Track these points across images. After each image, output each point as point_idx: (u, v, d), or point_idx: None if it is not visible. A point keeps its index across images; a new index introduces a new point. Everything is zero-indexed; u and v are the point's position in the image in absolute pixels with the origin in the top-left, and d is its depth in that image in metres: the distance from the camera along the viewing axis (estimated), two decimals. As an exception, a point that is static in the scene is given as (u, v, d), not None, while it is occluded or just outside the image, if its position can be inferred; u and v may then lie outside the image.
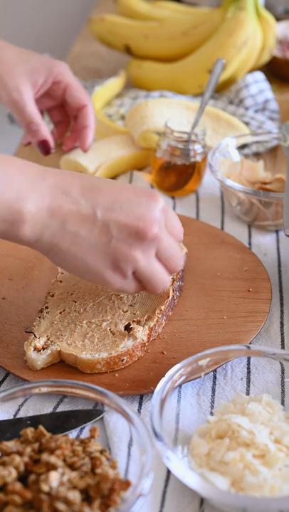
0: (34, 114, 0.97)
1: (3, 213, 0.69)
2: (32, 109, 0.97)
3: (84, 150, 1.02)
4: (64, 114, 1.07)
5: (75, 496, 0.62)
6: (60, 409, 0.76)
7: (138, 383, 0.78)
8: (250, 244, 1.03)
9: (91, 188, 0.73)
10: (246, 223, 1.07)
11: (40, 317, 0.84)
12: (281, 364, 0.79)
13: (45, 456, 0.65)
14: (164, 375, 0.73)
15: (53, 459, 0.64)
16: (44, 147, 0.97)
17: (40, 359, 0.79)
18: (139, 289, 0.78)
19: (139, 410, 0.77)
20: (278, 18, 1.54)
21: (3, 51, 0.98)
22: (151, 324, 0.83)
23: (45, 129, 0.98)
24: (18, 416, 0.75)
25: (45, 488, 0.62)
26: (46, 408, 0.76)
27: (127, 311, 0.85)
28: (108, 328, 0.83)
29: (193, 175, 1.11)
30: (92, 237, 0.73)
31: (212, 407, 0.77)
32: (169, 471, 0.70)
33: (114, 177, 1.17)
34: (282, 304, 0.92)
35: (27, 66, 0.98)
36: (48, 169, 0.73)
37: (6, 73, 0.96)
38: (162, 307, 0.85)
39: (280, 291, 0.94)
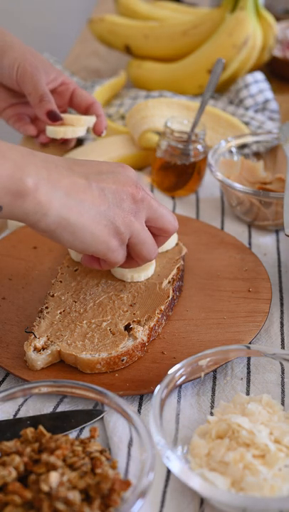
0: (47, 89, 0.99)
1: (4, 184, 0.69)
2: (45, 86, 1.00)
3: (99, 134, 1.03)
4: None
5: (75, 496, 0.62)
6: (60, 409, 0.76)
7: (138, 383, 0.78)
8: (250, 244, 1.03)
9: (74, 162, 0.77)
10: (246, 223, 1.07)
11: (40, 317, 0.84)
12: (281, 364, 0.79)
13: (45, 456, 0.65)
14: (164, 375, 0.73)
15: (52, 459, 0.64)
16: (54, 116, 0.99)
17: (40, 359, 0.79)
18: (128, 261, 0.83)
19: (139, 410, 0.77)
20: (278, 18, 1.55)
21: (25, 44, 1.04)
22: (151, 324, 0.83)
23: (55, 104, 1.01)
24: (18, 416, 0.75)
25: (45, 488, 0.62)
26: (46, 408, 0.76)
27: (127, 311, 0.85)
28: (108, 328, 0.83)
29: (193, 175, 1.11)
30: (95, 205, 0.75)
31: (212, 407, 0.77)
32: (169, 471, 0.70)
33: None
34: (282, 304, 0.92)
35: (44, 59, 1.03)
36: (30, 149, 0.75)
37: (28, 52, 1.00)
38: (162, 307, 0.85)
39: (280, 291, 0.94)
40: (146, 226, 0.81)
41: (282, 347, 0.86)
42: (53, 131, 0.99)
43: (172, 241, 0.95)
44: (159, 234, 0.84)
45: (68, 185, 0.74)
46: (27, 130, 1.04)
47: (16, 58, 0.99)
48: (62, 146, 1.05)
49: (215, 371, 0.81)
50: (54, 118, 0.99)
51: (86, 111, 1.03)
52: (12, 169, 0.70)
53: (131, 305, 0.86)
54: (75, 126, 1.00)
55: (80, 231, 0.75)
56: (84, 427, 0.74)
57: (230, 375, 0.81)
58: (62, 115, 1.00)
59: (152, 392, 0.76)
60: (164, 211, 0.82)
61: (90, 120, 1.01)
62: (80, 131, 1.00)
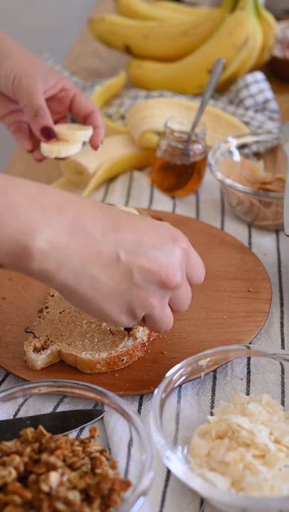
0: (43, 103, 0.97)
1: (6, 247, 0.62)
2: (41, 99, 0.98)
3: (95, 147, 1.02)
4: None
5: (75, 496, 0.62)
6: (60, 409, 0.76)
7: (138, 383, 0.78)
8: (250, 244, 1.03)
9: (113, 225, 0.67)
10: (246, 223, 1.07)
11: (40, 317, 0.84)
12: (281, 364, 0.79)
13: (45, 456, 0.65)
14: (164, 375, 0.73)
15: (52, 459, 0.64)
16: (48, 133, 0.97)
17: (40, 359, 0.79)
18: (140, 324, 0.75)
19: (139, 410, 0.77)
20: (278, 18, 1.55)
21: (23, 48, 1.02)
22: (151, 324, 0.83)
23: (50, 118, 0.99)
24: (18, 416, 0.75)
25: (45, 488, 0.62)
26: (46, 408, 0.76)
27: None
28: (108, 328, 0.83)
29: (193, 175, 1.11)
30: (112, 283, 0.67)
31: (212, 407, 0.77)
32: (169, 471, 0.70)
33: (114, 177, 1.17)
34: (282, 304, 0.92)
35: (43, 64, 1.01)
36: (67, 197, 0.66)
37: (26, 60, 0.98)
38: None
39: (280, 291, 0.94)
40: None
41: (283, 347, 0.86)
42: (47, 150, 0.98)
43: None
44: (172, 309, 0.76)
45: (88, 255, 0.66)
46: (23, 144, 1.02)
47: (12, 69, 0.96)
48: (58, 159, 1.03)
49: (215, 371, 0.81)
50: (48, 135, 0.96)
51: (85, 119, 1.01)
52: (19, 234, 0.62)
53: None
54: (70, 142, 0.98)
55: (86, 302, 0.68)
56: (84, 427, 0.74)
57: (230, 375, 0.81)
58: (57, 128, 0.99)
59: (152, 392, 0.76)
60: (185, 299, 0.74)
61: (85, 135, 1.00)
62: (74, 149, 0.98)
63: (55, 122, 1.05)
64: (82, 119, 1.02)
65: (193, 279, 0.74)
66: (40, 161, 1.03)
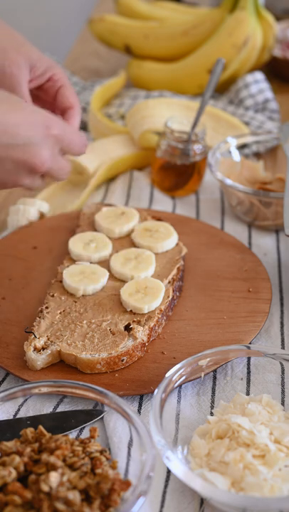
0: (26, 94, 0.95)
1: None
2: (26, 88, 0.96)
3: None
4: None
5: (75, 495, 0.62)
6: (60, 409, 0.76)
7: (138, 383, 0.78)
8: (250, 244, 1.03)
9: None
10: (246, 223, 1.07)
11: (40, 317, 0.84)
12: (281, 364, 0.79)
13: (45, 456, 0.65)
14: (164, 375, 0.73)
15: (52, 459, 0.64)
16: None
17: (40, 359, 0.79)
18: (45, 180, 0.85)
19: (139, 410, 0.77)
20: (278, 18, 1.54)
21: (17, 32, 0.99)
22: (151, 324, 0.83)
23: None
24: (18, 416, 0.75)
25: (45, 488, 0.62)
26: (46, 408, 0.76)
27: (127, 311, 0.85)
28: (108, 328, 0.83)
29: (193, 175, 1.11)
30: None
31: (212, 407, 0.77)
32: (169, 471, 0.70)
33: (114, 177, 1.17)
34: (282, 304, 0.92)
35: (33, 50, 0.98)
36: None
37: (12, 48, 0.96)
38: (162, 307, 0.85)
39: (280, 291, 0.94)
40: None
41: (283, 347, 0.86)
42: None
43: (172, 241, 0.95)
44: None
45: None
46: None
47: None
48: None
49: (215, 371, 0.81)
50: None
51: (63, 114, 0.99)
52: None
53: (131, 305, 0.86)
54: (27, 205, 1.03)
55: None
56: (84, 427, 0.74)
57: (230, 375, 0.81)
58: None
59: (152, 392, 0.76)
60: (64, 167, 0.84)
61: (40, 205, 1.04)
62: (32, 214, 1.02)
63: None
64: (61, 113, 0.99)
65: (75, 153, 0.86)
66: None
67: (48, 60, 0.99)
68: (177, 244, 0.96)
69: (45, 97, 1.00)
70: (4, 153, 0.78)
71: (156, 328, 0.84)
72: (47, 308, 0.86)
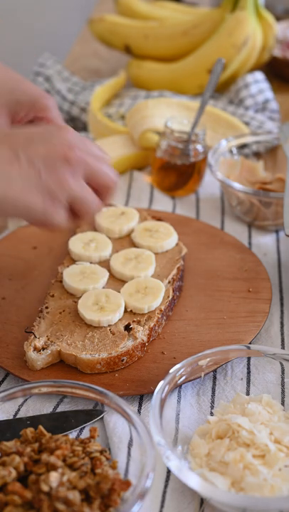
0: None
1: None
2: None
3: None
4: None
5: (75, 495, 0.62)
6: (60, 409, 0.76)
7: (138, 383, 0.78)
8: (250, 244, 1.03)
9: (5, 135, 0.76)
10: (246, 223, 1.07)
11: (40, 317, 0.84)
12: (281, 364, 0.79)
13: (45, 456, 0.65)
14: (164, 375, 0.73)
15: (52, 459, 0.64)
16: None
17: (40, 359, 0.79)
18: (71, 218, 0.78)
19: (139, 410, 0.77)
20: (278, 18, 1.55)
21: (1, 67, 0.95)
22: (151, 324, 0.83)
23: None
24: (18, 416, 0.75)
25: (45, 488, 0.62)
26: (46, 408, 0.76)
27: (127, 311, 0.85)
28: (108, 328, 0.83)
29: (193, 175, 1.11)
30: (22, 174, 0.73)
31: (212, 407, 0.77)
32: (169, 471, 0.70)
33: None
34: (282, 304, 0.92)
35: (11, 98, 0.93)
36: None
37: None
38: (162, 307, 0.85)
39: (280, 291, 0.94)
40: (87, 183, 0.78)
41: (283, 347, 0.86)
42: None
43: (172, 241, 0.95)
44: (100, 190, 0.80)
45: None
46: None
47: None
48: None
49: (215, 371, 0.81)
50: None
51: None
52: None
53: (131, 305, 0.86)
54: None
55: (11, 203, 0.73)
56: (84, 427, 0.74)
57: (230, 375, 0.81)
58: None
59: (152, 392, 0.76)
60: (101, 167, 0.79)
61: None
62: None
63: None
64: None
65: (97, 159, 0.79)
66: None
67: (30, 97, 0.94)
68: (177, 244, 0.96)
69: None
70: (29, 152, 0.74)
71: (156, 328, 0.84)
72: (47, 308, 0.86)
